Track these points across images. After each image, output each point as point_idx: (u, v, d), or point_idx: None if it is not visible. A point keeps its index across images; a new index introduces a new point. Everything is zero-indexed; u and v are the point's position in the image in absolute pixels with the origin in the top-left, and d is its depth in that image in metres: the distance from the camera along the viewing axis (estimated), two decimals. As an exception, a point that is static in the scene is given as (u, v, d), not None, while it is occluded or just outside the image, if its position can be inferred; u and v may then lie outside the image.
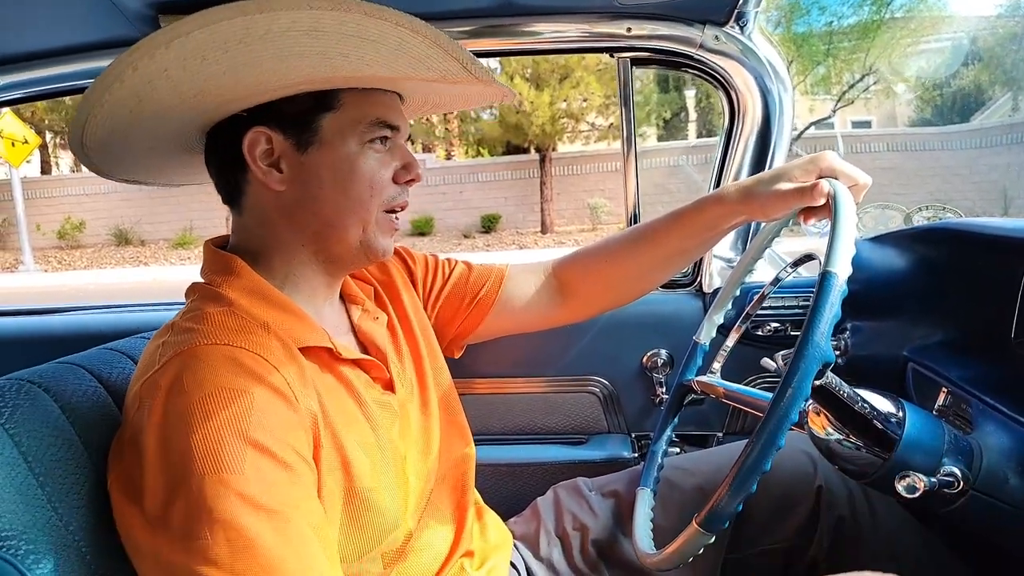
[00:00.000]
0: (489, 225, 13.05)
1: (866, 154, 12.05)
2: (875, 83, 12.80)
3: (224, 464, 0.58)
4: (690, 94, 14.57)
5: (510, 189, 13.29)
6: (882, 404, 0.75)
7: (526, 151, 12.88)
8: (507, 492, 1.28)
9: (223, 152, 0.77)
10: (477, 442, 0.96)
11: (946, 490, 0.70)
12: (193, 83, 0.68)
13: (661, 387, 1.30)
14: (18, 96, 1.30)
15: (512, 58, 11.66)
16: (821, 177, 0.79)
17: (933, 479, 0.67)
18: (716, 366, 0.95)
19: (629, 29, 1.12)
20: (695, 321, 1.28)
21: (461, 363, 1.09)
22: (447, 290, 1.01)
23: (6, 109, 10.80)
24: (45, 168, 15.54)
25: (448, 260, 1.05)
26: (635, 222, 1.31)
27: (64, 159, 16.51)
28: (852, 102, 13.12)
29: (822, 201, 0.77)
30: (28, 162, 11.35)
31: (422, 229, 12.89)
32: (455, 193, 13.34)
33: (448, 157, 15.58)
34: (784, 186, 0.81)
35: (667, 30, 1.12)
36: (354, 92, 0.76)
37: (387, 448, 0.77)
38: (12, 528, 0.61)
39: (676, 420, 0.95)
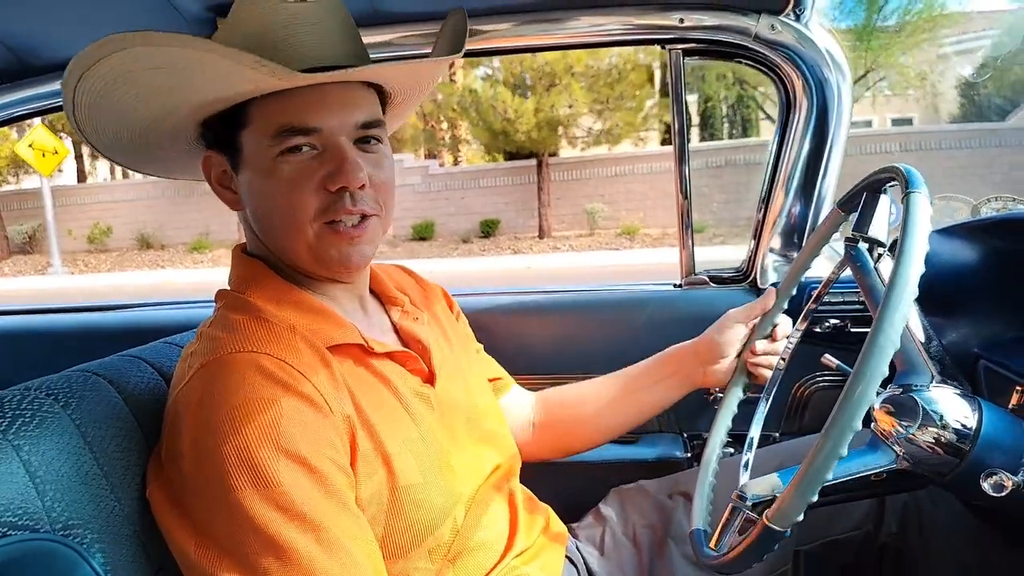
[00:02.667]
0: (488, 230, 13.17)
1: (876, 155, 11.52)
2: (881, 80, 12.38)
3: (259, 477, 0.59)
4: (692, 98, 14.43)
5: (511, 194, 13.36)
6: (956, 405, 0.72)
7: (528, 157, 12.99)
8: (557, 490, 1.26)
9: None
10: None
11: (1029, 491, 0.67)
12: (116, 127, 0.73)
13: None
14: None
15: (499, 66, 11.85)
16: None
17: (1018, 478, 0.63)
18: (781, 363, 0.93)
19: (681, 20, 1.10)
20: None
21: (515, 359, 1.09)
22: None
23: (37, 122, 11.35)
24: (81, 176, 16.73)
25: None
26: (686, 217, 1.28)
27: (102, 166, 17.75)
28: (856, 100, 12.72)
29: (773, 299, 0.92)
30: (60, 171, 12.07)
31: (423, 234, 13.08)
32: (456, 198, 13.45)
33: (456, 163, 15.76)
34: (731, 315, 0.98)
35: (721, 20, 1.10)
36: (261, 101, 0.69)
37: (430, 441, 0.76)
38: (79, 517, 0.62)
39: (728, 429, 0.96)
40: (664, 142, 14.50)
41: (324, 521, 0.60)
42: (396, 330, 0.85)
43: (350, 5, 0.76)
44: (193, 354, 0.68)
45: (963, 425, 0.70)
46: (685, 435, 1.31)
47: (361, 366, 0.74)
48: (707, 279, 1.31)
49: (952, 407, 0.72)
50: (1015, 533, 0.84)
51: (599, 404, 1.04)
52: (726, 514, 0.74)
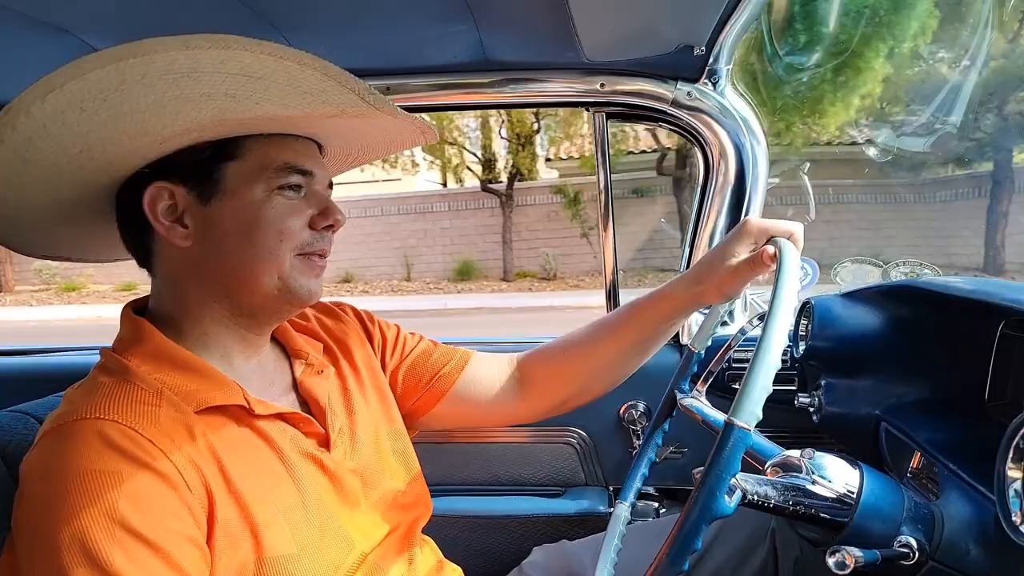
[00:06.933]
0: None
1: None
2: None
3: (92, 555, 0.57)
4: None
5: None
6: (838, 471, 0.74)
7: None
8: (480, 545, 1.26)
9: (128, 212, 0.75)
10: (451, 492, 0.94)
11: (903, 561, 0.68)
12: (75, 137, 0.66)
13: (639, 439, 1.28)
14: None
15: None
16: (757, 241, 0.83)
17: (877, 552, 0.64)
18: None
19: (603, 85, 1.14)
20: (672, 373, 1.27)
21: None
22: (407, 364, 0.97)
23: None
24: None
25: (412, 334, 1.02)
26: (614, 274, 1.31)
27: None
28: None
29: (773, 265, 0.78)
30: None
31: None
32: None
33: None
34: (733, 262, 0.83)
35: (640, 86, 1.14)
36: (259, 139, 0.74)
37: (313, 508, 0.74)
38: None
39: (666, 428, 0.92)
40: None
41: None
42: (296, 386, 0.83)
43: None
44: (48, 419, 0.66)
45: (847, 490, 0.72)
46: (611, 488, 1.32)
47: (244, 427, 0.72)
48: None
49: (837, 472, 0.73)
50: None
51: (596, 333, 0.98)
52: None
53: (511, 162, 11.35)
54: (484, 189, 11.20)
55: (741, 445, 0.58)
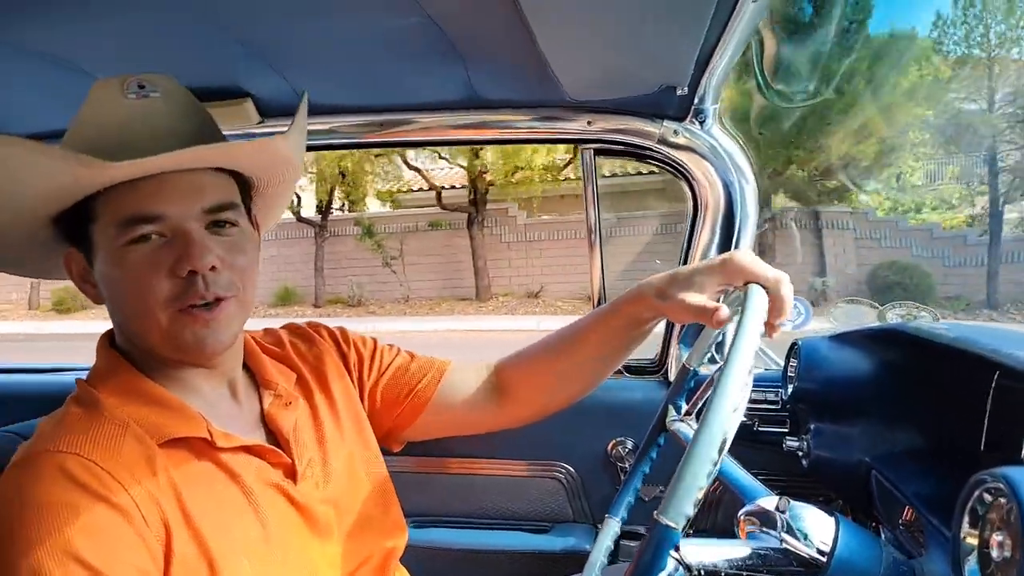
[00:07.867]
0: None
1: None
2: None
3: None
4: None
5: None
6: (814, 523, 0.71)
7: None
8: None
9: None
10: (436, 524, 0.93)
11: (875, 622, 0.66)
12: None
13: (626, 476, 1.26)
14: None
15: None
16: (730, 281, 0.79)
17: None
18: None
19: (590, 122, 1.15)
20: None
21: (423, 441, 1.06)
22: (384, 380, 0.97)
23: None
24: None
25: (389, 347, 1.02)
26: (600, 302, 1.30)
27: None
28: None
29: (718, 330, 0.77)
30: None
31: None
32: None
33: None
34: (690, 298, 0.79)
35: (626, 124, 1.15)
36: (106, 195, 0.70)
37: (276, 541, 0.74)
38: None
39: (662, 441, 0.90)
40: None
41: None
42: (264, 418, 0.83)
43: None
44: (19, 448, 0.69)
45: (820, 546, 0.70)
46: (599, 527, 1.29)
47: (206, 460, 0.73)
48: (622, 368, 1.31)
49: (813, 524, 0.71)
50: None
51: (571, 336, 0.97)
52: None
53: (322, 195, 11.97)
54: (299, 220, 11.68)
55: (668, 544, 0.55)
